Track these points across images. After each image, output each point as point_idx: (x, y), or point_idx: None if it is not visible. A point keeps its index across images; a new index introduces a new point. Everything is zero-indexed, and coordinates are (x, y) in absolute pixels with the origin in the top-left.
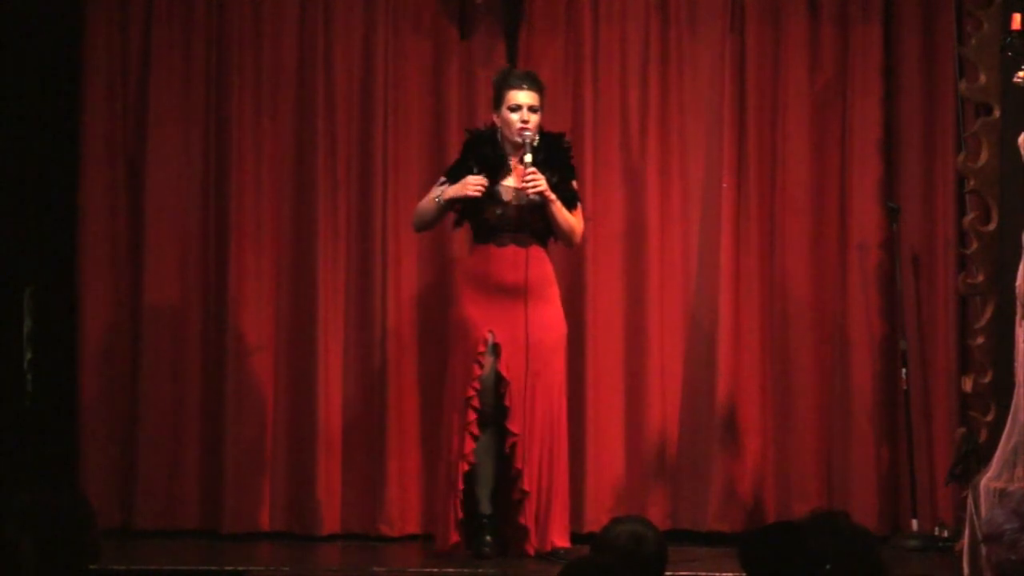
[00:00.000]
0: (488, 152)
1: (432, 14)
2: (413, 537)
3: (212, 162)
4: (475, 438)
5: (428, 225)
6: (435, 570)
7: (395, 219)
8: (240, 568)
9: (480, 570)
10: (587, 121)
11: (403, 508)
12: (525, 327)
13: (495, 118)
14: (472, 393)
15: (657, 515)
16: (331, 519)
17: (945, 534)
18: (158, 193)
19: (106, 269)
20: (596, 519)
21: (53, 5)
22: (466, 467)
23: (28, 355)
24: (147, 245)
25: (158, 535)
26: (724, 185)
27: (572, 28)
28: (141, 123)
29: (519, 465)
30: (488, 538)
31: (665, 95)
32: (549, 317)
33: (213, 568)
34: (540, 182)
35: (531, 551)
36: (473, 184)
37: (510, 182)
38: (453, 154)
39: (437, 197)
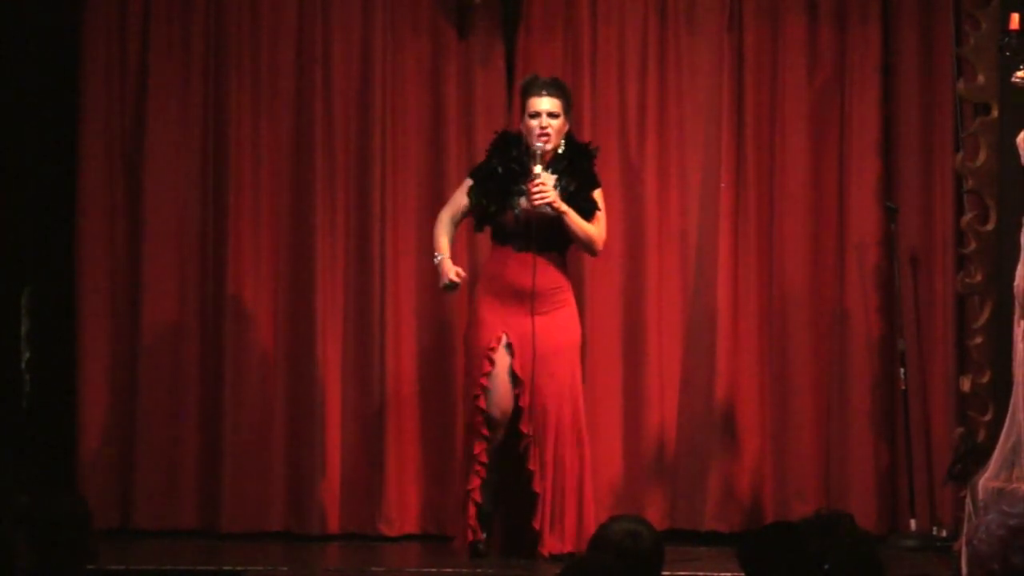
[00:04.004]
0: (514, 155)
1: (430, 14)
2: (412, 537)
3: (210, 161)
4: (483, 438)
5: None
6: (434, 570)
7: (393, 218)
8: (239, 568)
9: (479, 570)
10: (585, 121)
11: (402, 508)
12: (532, 332)
13: (521, 124)
14: (479, 392)
15: (655, 515)
16: (330, 519)
17: (943, 534)
18: (157, 192)
19: (104, 268)
20: (595, 519)
21: (52, 4)
22: (478, 467)
23: (26, 355)
24: (146, 244)
25: (157, 535)
26: (722, 185)
27: (570, 28)
28: (139, 122)
29: (531, 467)
30: (484, 535)
31: (663, 95)
32: (561, 321)
33: (212, 568)
34: (547, 194)
35: (545, 554)
36: (448, 278)
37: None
38: (451, 153)
39: (437, 257)
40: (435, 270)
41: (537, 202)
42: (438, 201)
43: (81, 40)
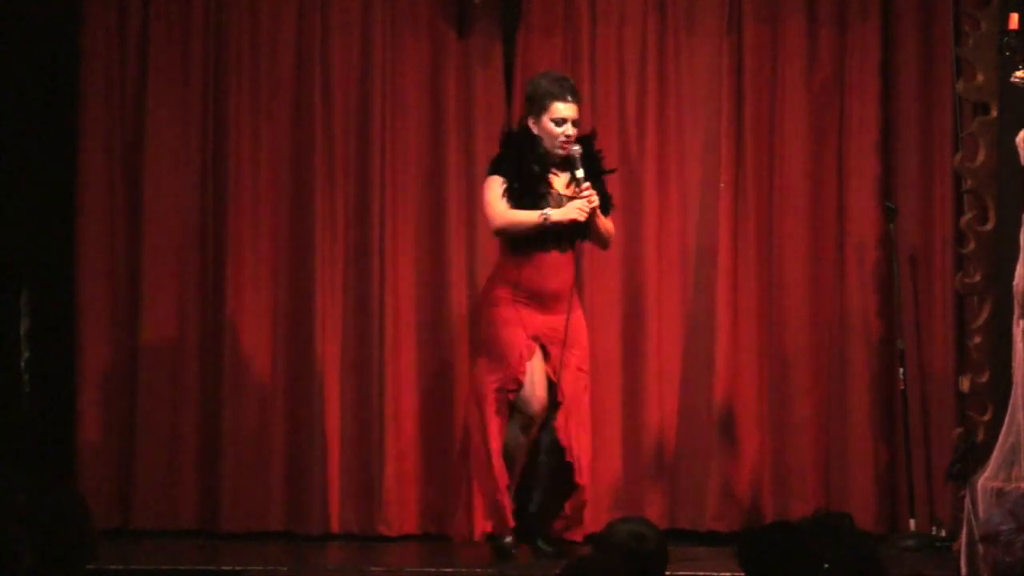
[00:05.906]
0: (540, 154)
1: (430, 14)
2: (411, 537)
3: (210, 162)
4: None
5: (520, 235)
6: (433, 570)
7: (392, 218)
8: (239, 568)
9: (478, 569)
10: (585, 120)
11: (401, 508)
12: (566, 330)
13: (531, 124)
14: (513, 386)
15: (655, 514)
16: (330, 519)
17: (943, 533)
18: (156, 192)
19: (104, 268)
20: (595, 519)
21: (51, 4)
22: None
23: (26, 355)
24: (145, 245)
25: (157, 535)
26: (721, 185)
27: (570, 28)
28: (139, 123)
29: (569, 458)
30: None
31: (663, 95)
32: (583, 319)
33: (212, 568)
34: (596, 199)
35: (578, 539)
36: (580, 209)
37: (552, 189)
38: (451, 153)
39: (544, 217)
40: (434, 269)
41: (591, 207)
42: (438, 201)
43: (81, 40)
